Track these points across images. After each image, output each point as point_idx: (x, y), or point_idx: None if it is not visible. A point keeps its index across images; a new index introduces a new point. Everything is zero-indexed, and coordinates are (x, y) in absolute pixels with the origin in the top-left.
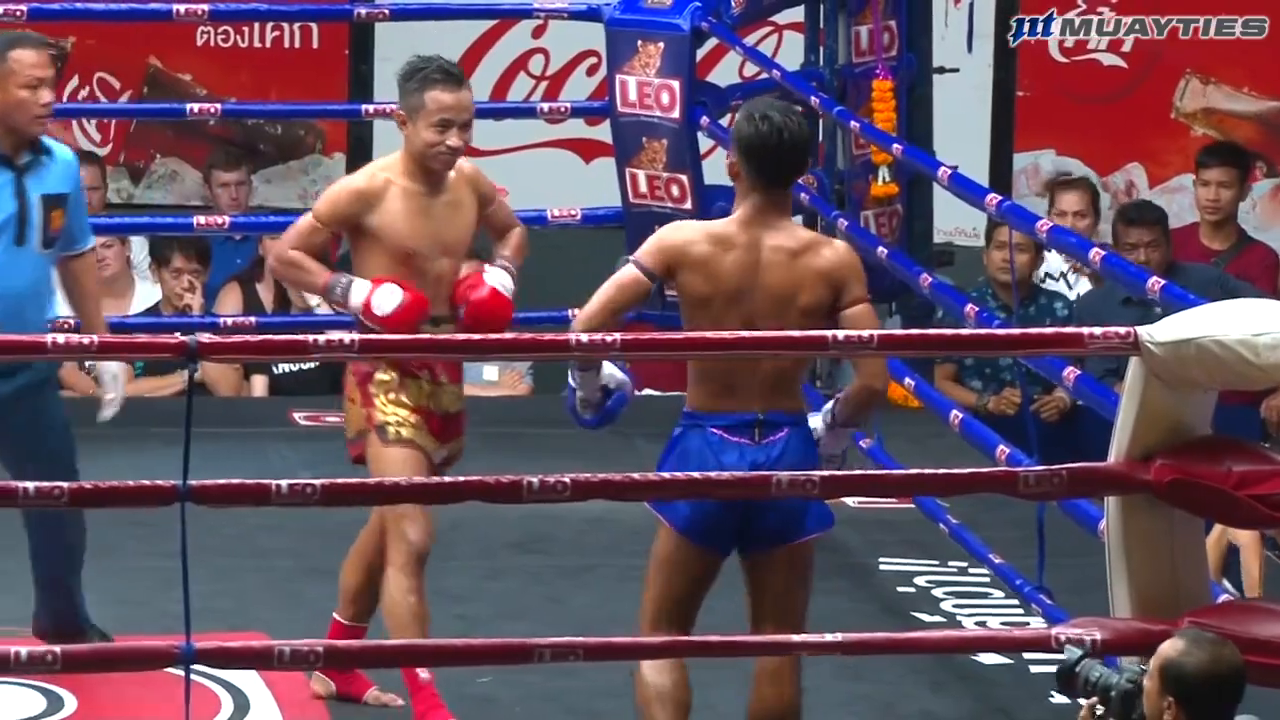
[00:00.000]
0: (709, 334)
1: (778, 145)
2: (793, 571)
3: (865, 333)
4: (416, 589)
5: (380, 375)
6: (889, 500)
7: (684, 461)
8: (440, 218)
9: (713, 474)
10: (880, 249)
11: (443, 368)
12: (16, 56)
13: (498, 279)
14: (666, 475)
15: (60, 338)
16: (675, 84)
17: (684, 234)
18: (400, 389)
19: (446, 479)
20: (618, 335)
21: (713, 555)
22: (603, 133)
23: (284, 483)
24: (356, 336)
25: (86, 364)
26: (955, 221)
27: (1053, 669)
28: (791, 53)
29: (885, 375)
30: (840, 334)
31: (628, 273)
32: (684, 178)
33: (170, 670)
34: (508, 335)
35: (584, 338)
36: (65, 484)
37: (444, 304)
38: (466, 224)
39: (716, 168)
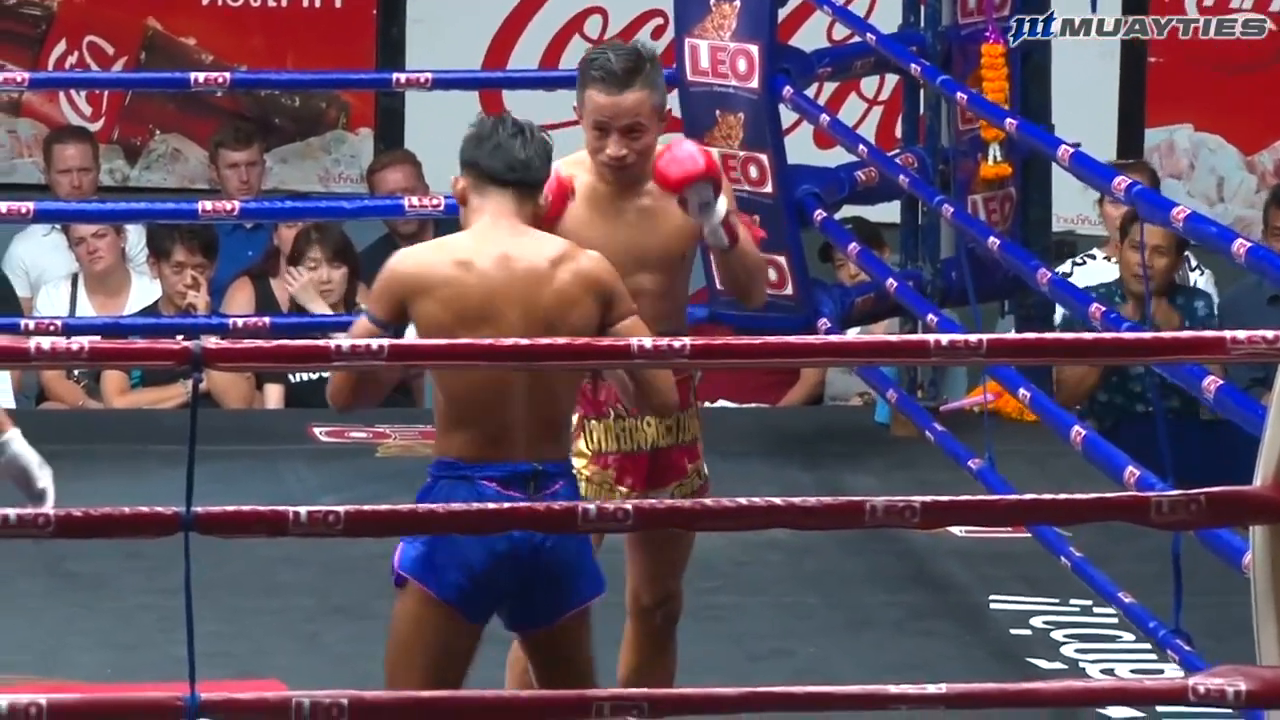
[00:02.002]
0: (792, 340)
1: (512, 136)
2: (583, 634)
3: (974, 338)
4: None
5: None
6: (1001, 529)
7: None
8: (634, 225)
9: (777, 500)
10: (991, 239)
11: None
12: None
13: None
14: (727, 502)
15: (45, 342)
16: (754, 49)
17: (413, 259)
18: (575, 437)
19: (491, 506)
20: (686, 341)
21: (476, 630)
22: (670, 104)
23: (303, 509)
24: (386, 341)
25: (75, 372)
26: (1077, 208)
27: None
28: (888, 12)
29: (671, 389)
30: (945, 339)
31: (360, 329)
32: (763, 157)
33: None
34: (562, 341)
35: (646, 343)
36: (51, 511)
37: (653, 324)
38: (671, 234)
39: (801, 145)
